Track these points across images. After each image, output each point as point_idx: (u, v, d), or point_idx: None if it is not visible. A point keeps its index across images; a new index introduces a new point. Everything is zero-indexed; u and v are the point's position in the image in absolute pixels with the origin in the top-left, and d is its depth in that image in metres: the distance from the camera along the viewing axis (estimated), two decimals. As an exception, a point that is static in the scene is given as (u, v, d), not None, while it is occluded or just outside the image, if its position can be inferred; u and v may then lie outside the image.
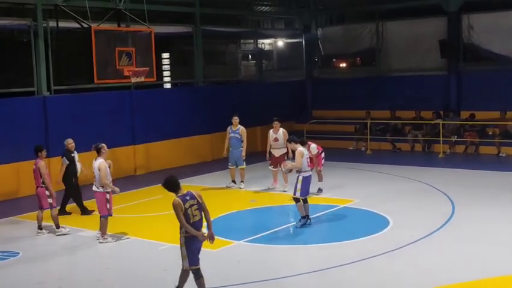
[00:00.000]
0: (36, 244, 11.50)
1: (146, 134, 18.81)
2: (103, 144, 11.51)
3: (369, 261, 9.76)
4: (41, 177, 11.85)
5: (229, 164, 15.81)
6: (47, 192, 11.91)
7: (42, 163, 11.91)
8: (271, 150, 15.33)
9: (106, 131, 17.67)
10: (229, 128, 15.74)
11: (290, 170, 12.54)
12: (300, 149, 12.04)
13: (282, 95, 23.90)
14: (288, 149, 14.27)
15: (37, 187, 12.02)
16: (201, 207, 7.93)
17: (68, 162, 13.30)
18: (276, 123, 15.39)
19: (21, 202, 15.26)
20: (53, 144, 16.24)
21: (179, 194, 7.91)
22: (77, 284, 9.35)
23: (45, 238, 11.88)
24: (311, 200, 12.97)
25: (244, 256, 10.41)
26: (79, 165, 13.39)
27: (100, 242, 11.29)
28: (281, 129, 15.33)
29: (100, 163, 11.21)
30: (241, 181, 15.75)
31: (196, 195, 7.95)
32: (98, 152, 11.40)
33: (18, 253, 10.92)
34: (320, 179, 14.58)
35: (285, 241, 11.35)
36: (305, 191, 11.93)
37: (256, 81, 24.58)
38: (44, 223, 12.13)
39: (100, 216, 11.31)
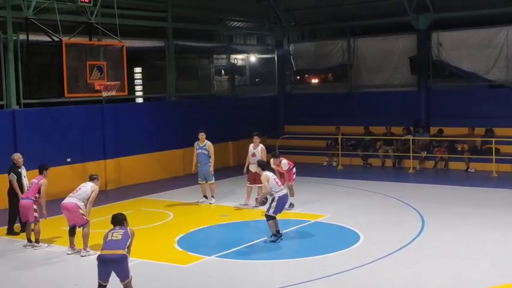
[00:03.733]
0: (3, 259, 11.29)
1: (117, 149, 18.66)
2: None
3: (340, 276, 9.78)
4: (38, 192, 11.86)
5: (199, 179, 15.77)
6: (34, 206, 11.83)
7: (45, 181, 12.01)
8: (250, 166, 15.07)
9: (77, 145, 17.53)
10: (196, 143, 15.62)
11: (264, 201, 12.42)
12: (264, 173, 12.23)
13: (255, 110, 23.96)
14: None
15: (25, 198, 11.94)
16: (125, 235, 8.36)
17: (16, 177, 12.76)
18: (255, 138, 15.31)
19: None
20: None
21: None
22: (45, 301, 9.21)
23: (13, 253, 11.67)
24: (283, 215, 12.98)
25: (214, 271, 10.35)
26: (25, 181, 12.81)
27: (82, 256, 11.19)
28: (260, 145, 15.25)
29: (93, 185, 11.54)
30: (212, 196, 15.68)
31: (128, 231, 8.48)
32: (91, 179, 11.73)
33: (-15, 269, 10.74)
34: (292, 194, 14.58)
35: (256, 256, 11.32)
36: (279, 209, 11.93)
37: (229, 96, 24.63)
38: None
39: (83, 228, 11.26)
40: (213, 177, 15.63)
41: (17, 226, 13.03)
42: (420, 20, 21.65)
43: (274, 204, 11.85)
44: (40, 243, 11.92)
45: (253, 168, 14.80)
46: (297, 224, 13.18)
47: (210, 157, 15.48)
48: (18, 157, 13.02)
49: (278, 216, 11.97)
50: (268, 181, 12.01)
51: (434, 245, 11.44)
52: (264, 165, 12.80)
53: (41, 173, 12.21)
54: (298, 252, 11.45)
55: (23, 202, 11.97)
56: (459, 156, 20.07)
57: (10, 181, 12.77)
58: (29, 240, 11.99)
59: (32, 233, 11.98)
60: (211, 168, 15.51)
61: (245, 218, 14.16)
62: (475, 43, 21.45)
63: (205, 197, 15.74)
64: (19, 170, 12.91)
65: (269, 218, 11.84)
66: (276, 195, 11.91)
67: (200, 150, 15.52)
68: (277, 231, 11.86)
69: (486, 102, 21.01)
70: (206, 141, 15.51)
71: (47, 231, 13.20)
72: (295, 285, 9.44)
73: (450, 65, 22.19)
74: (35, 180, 12.07)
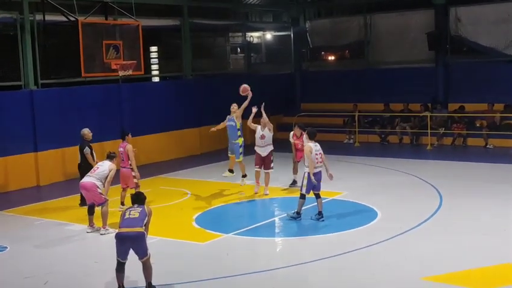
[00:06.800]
0: (24, 238, 11.44)
1: (134, 128, 18.61)
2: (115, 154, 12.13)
3: (358, 253, 9.82)
4: (128, 159, 12.66)
5: (229, 152, 14.40)
6: (132, 173, 12.67)
7: (130, 146, 12.76)
8: (256, 148, 14.08)
9: (94, 125, 17.47)
10: (227, 117, 14.24)
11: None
12: (309, 144, 11.71)
13: (271, 88, 23.83)
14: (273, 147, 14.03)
15: (122, 167, 12.80)
16: (142, 213, 8.41)
17: (89, 151, 13.20)
18: (262, 119, 14.06)
19: (10, 196, 15.21)
20: (40, 139, 16.20)
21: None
22: (65, 278, 9.34)
23: (33, 232, 11.83)
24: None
25: (233, 249, 10.43)
26: (94, 155, 13.38)
27: (101, 234, 11.34)
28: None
29: (110, 164, 11.65)
30: (243, 175, 14.41)
31: (146, 210, 8.54)
32: (109, 158, 11.85)
33: (6, 247, 10.88)
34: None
35: (273, 233, 11.39)
36: (310, 188, 11.69)
37: (245, 74, 24.54)
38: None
39: (101, 206, 11.37)
40: (240, 156, 14.15)
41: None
42: (438, -6, 21.38)
43: (305, 182, 11.64)
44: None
45: (262, 151, 13.97)
46: (314, 202, 13.15)
47: (238, 130, 14.07)
48: (88, 132, 13.54)
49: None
50: (311, 153, 11.53)
51: (452, 222, 11.42)
52: (312, 135, 11.91)
53: (123, 139, 12.96)
54: (315, 229, 11.45)
55: (123, 170, 12.80)
56: (477, 132, 19.91)
57: (85, 155, 13.14)
58: (122, 204, 12.66)
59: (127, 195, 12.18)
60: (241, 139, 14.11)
61: (262, 196, 14.17)
62: (494, 18, 21.13)
63: (230, 171, 14.48)
64: (90, 143, 13.44)
65: (301, 196, 11.76)
66: (307, 172, 11.62)
67: (229, 122, 14.14)
68: (297, 213, 11.84)
69: (505, 77, 20.76)
70: (234, 114, 14.11)
71: (66, 210, 13.39)
72: (312, 262, 9.49)
73: (468, 40, 21.91)
74: (121, 149, 12.83)
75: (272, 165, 14.08)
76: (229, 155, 14.48)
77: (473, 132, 20.03)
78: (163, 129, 19.63)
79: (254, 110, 14.03)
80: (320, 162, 11.71)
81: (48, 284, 9.02)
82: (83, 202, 13.20)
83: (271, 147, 14.08)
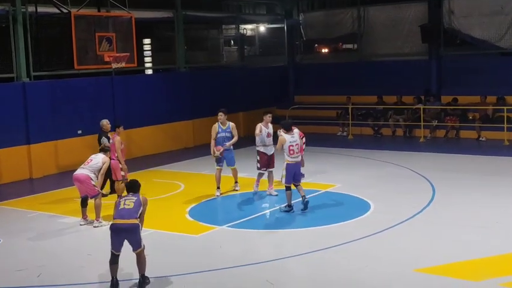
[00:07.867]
0: (17, 231, 11.42)
1: (127, 120, 18.62)
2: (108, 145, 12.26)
3: (350, 245, 9.84)
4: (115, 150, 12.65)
5: (220, 164, 13.58)
6: (120, 166, 12.68)
7: (118, 138, 12.74)
8: (261, 148, 13.39)
9: (87, 117, 17.57)
10: (217, 126, 13.42)
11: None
12: (284, 136, 11.83)
13: (264, 81, 23.88)
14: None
15: (112, 159, 12.55)
16: (137, 203, 8.39)
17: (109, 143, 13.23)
18: (269, 116, 13.42)
19: (2, 189, 15.17)
20: (33, 131, 16.15)
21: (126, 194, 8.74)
22: (58, 271, 9.32)
23: (26, 225, 11.80)
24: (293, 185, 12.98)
25: (226, 241, 10.44)
26: None
27: (94, 226, 11.33)
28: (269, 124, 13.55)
29: (104, 157, 11.65)
30: (236, 182, 14.13)
31: (140, 198, 8.50)
32: (103, 151, 11.90)
33: (-1, 240, 10.88)
34: (302, 165, 14.55)
35: (267, 226, 11.40)
36: (289, 178, 11.80)
37: (239, 66, 24.53)
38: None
39: (95, 199, 11.35)
40: (235, 163, 13.85)
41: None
42: (431, -13, 21.37)
43: (284, 172, 11.84)
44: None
45: (269, 150, 13.36)
46: (307, 194, 13.08)
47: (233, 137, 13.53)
48: (106, 123, 13.70)
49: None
50: (282, 145, 11.69)
51: (445, 214, 11.46)
52: (287, 126, 11.92)
53: (113, 130, 12.99)
54: (308, 221, 11.48)
55: (112, 162, 12.61)
56: (470, 124, 19.97)
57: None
58: (120, 197, 12.25)
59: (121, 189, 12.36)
60: (230, 142, 13.56)
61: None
62: (487, 10, 21.16)
63: (219, 188, 13.68)
64: (108, 135, 13.51)
65: (286, 188, 11.85)
66: (285, 163, 11.84)
67: (224, 134, 13.45)
68: (289, 205, 11.88)
69: (498, 70, 20.82)
70: (229, 122, 13.49)
71: (59, 202, 13.37)
72: (305, 254, 9.51)
73: (461, 32, 21.93)
74: (111, 141, 12.85)
75: None
76: (218, 167, 13.61)
77: (466, 125, 20.08)
78: (156, 122, 19.61)
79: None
80: (297, 153, 11.81)
81: (42, 277, 9.01)
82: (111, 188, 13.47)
83: (273, 146, 13.60)
